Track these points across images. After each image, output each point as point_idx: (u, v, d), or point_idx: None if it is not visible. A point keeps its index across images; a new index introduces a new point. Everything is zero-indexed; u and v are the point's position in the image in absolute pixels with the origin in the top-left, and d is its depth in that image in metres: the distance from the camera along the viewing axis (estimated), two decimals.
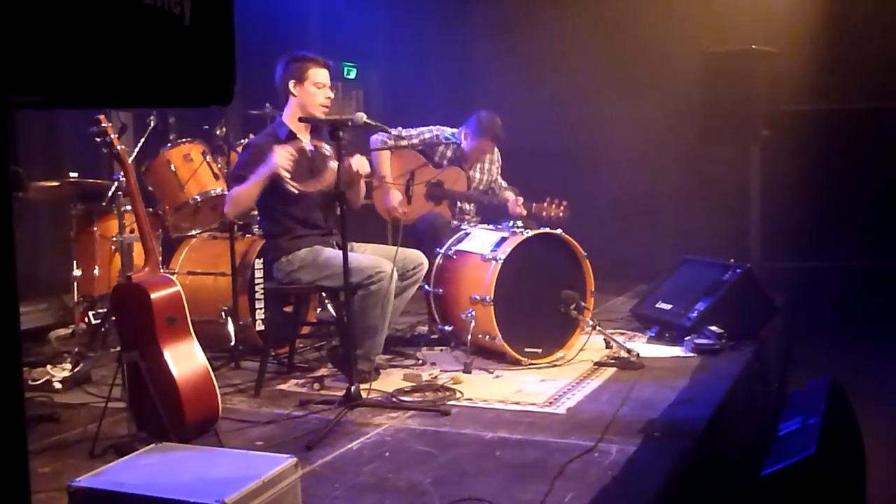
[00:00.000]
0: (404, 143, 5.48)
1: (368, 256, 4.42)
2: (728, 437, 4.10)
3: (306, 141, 4.47)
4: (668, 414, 3.90)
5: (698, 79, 7.03)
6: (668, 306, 5.55)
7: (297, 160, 4.30)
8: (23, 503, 1.10)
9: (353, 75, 7.77)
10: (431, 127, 5.75)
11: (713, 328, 5.07)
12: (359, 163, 4.53)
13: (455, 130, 5.77)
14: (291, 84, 4.47)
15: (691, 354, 4.98)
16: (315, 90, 4.46)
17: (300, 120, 4.45)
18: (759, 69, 6.75)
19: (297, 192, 4.32)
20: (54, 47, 1.00)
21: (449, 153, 5.82)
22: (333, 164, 4.22)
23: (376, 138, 5.52)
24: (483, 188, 5.95)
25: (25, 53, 0.98)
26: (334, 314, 5.36)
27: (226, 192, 5.29)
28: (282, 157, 4.22)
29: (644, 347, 5.12)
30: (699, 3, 7.39)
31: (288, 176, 4.24)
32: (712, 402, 4.05)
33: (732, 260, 5.63)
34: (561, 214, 5.51)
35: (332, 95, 4.55)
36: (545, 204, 5.55)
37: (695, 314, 5.25)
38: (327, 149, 4.44)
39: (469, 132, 5.73)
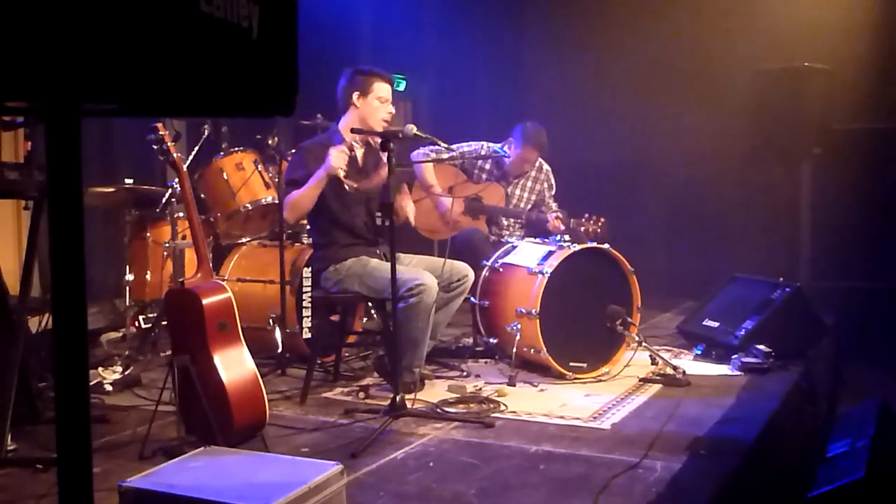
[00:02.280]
0: (445, 156, 5.52)
1: (411, 269, 4.44)
2: (775, 458, 4.06)
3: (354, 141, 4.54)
4: (715, 432, 3.87)
5: (750, 96, 6.98)
6: (715, 324, 5.51)
7: (350, 160, 4.41)
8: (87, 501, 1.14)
9: (402, 87, 7.81)
10: (472, 142, 5.77)
11: (761, 347, 5.02)
12: (410, 209, 4.67)
13: (499, 146, 5.78)
14: (355, 96, 4.54)
15: (738, 373, 4.93)
16: (378, 104, 4.53)
17: (352, 131, 4.50)
18: (811, 87, 6.69)
19: (349, 190, 4.40)
20: (129, 57, 1.03)
21: (487, 168, 5.83)
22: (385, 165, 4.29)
23: (418, 152, 5.57)
24: (525, 207, 5.94)
25: (100, 63, 1.02)
26: (380, 324, 5.40)
27: (276, 201, 5.38)
28: (337, 158, 4.30)
29: (690, 365, 5.08)
30: (752, 21, 7.34)
31: (343, 174, 4.34)
32: (759, 421, 4.00)
33: (782, 278, 5.57)
34: (599, 231, 5.49)
35: (393, 111, 4.60)
36: (583, 220, 5.54)
37: (742, 332, 5.20)
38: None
39: (514, 141, 5.75)
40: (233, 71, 1.17)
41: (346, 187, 4.46)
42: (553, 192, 6.00)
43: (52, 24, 0.97)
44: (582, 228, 5.51)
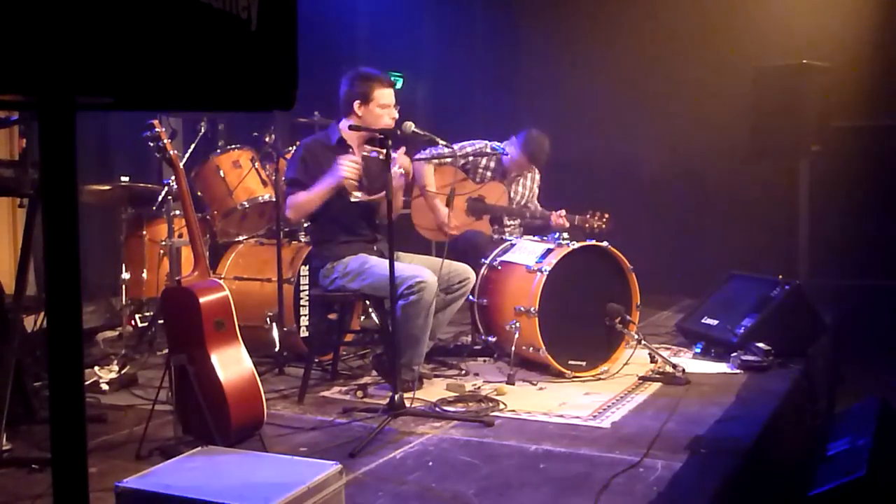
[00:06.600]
0: (447, 156, 5.46)
1: (411, 266, 4.41)
2: (775, 456, 4.04)
3: (370, 148, 4.51)
4: (714, 430, 3.85)
5: (749, 93, 6.95)
6: (714, 322, 5.49)
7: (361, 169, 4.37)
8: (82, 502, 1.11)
9: (399, 85, 7.79)
10: (474, 141, 5.72)
11: (760, 345, 5.00)
12: (401, 159, 4.53)
13: (500, 144, 5.74)
14: (356, 105, 4.49)
15: (738, 371, 4.91)
16: (380, 111, 4.48)
17: (350, 128, 4.47)
18: (810, 84, 6.66)
19: (354, 200, 4.37)
20: (124, 49, 1.01)
21: (491, 167, 5.79)
22: (396, 170, 4.24)
23: (417, 153, 5.54)
24: (524, 203, 5.91)
25: (95, 55, 0.99)
26: (378, 322, 5.38)
27: (273, 199, 5.35)
28: (348, 169, 4.27)
29: (690, 363, 5.06)
30: (751, 18, 7.33)
31: (355, 185, 4.30)
32: (759, 419, 3.98)
33: (781, 276, 5.55)
34: (604, 226, 5.46)
35: (396, 116, 4.55)
36: (587, 216, 5.51)
37: (742, 330, 5.18)
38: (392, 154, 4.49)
39: (516, 144, 5.71)
40: (231, 63, 1.14)
41: (352, 198, 4.42)
42: (537, 194, 5.98)
43: (46, 15, 0.94)
44: (586, 225, 5.48)
